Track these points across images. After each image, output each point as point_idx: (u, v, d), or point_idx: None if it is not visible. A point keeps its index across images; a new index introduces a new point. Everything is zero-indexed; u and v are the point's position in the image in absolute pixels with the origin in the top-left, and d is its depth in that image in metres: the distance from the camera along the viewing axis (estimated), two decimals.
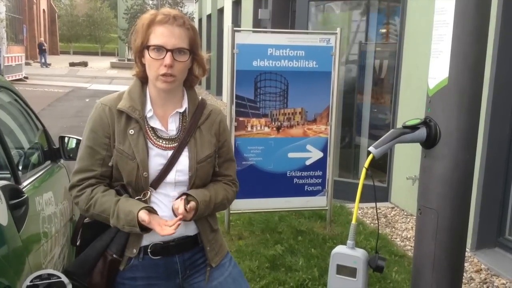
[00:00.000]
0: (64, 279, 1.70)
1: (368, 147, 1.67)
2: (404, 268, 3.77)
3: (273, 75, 4.21)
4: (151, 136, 1.73)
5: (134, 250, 1.73)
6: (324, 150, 4.41)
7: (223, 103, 14.55)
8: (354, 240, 1.71)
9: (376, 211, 5.28)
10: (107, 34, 51.67)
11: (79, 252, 1.81)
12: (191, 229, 1.80)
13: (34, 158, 2.66)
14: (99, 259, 1.73)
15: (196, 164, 1.74)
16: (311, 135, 4.37)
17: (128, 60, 34.79)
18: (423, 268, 1.76)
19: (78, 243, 1.83)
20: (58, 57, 42.37)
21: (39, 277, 1.69)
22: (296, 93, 4.27)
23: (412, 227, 4.89)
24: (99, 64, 35.62)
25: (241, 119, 4.21)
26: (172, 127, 1.76)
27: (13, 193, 1.90)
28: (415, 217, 2.60)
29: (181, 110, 1.77)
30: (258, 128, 4.26)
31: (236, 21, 13.82)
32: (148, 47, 1.65)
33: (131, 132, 1.69)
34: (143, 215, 1.60)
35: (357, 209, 1.72)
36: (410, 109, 5.29)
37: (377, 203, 5.30)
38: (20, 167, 2.39)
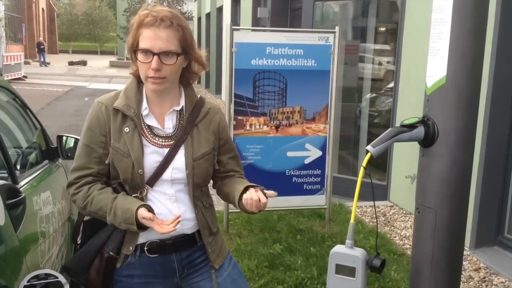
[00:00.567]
0: (62, 279, 1.70)
1: (367, 145, 1.67)
2: (403, 266, 3.77)
3: (272, 73, 4.20)
4: (147, 134, 1.73)
5: (131, 248, 1.73)
6: (323, 148, 4.40)
7: (222, 101, 14.53)
8: (353, 240, 1.71)
9: (375, 210, 5.28)
10: (106, 33, 51.61)
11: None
12: (188, 228, 1.79)
13: (32, 157, 2.66)
14: (96, 256, 1.74)
15: (192, 161, 1.74)
16: (310, 134, 4.36)
17: (127, 59, 34.42)
18: (421, 266, 1.76)
19: (79, 241, 1.83)
20: (57, 56, 42.29)
21: (37, 277, 1.69)
22: (295, 91, 4.26)
23: (411, 226, 4.88)
24: (98, 63, 35.55)
25: (239, 118, 4.20)
26: (169, 125, 1.76)
27: (10, 192, 1.90)
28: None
29: (178, 108, 1.77)
30: (257, 127, 4.25)
31: (235, 20, 13.79)
32: (137, 50, 1.66)
33: (126, 130, 1.70)
34: (145, 212, 1.61)
35: (356, 208, 1.72)
36: (409, 107, 5.28)
37: (376, 202, 5.30)
38: (18, 167, 2.39)
